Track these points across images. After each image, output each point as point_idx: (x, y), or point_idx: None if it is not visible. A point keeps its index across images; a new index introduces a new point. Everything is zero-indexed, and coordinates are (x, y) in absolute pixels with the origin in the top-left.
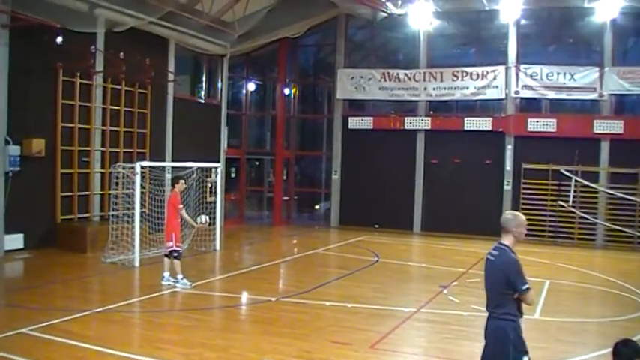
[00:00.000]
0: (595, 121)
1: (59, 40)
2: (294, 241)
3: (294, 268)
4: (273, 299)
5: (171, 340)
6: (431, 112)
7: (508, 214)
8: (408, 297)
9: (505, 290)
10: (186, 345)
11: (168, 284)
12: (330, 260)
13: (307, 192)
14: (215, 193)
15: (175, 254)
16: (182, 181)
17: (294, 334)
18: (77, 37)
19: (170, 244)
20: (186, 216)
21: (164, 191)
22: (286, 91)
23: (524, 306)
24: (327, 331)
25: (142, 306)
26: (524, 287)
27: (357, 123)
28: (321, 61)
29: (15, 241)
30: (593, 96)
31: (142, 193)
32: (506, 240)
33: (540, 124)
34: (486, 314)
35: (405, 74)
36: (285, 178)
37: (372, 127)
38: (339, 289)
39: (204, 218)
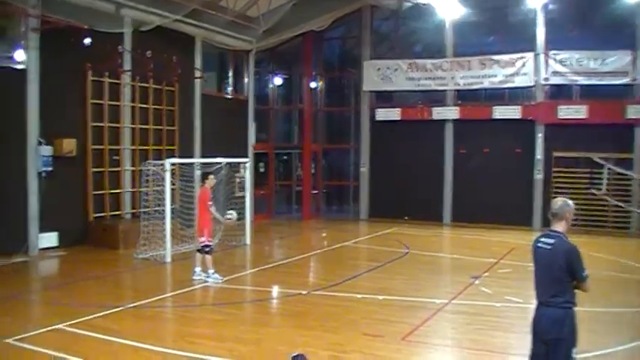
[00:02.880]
0: (628, 106)
1: (87, 41)
2: (324, 235)
3: (325, 261)
4: (305, 292)
5: (204, 335)
6: (459, 102)
7: (559, 201)
8: (440, 288)
9: (565, 278)
10: (219, 339)
11: (200, 279)
12: (360, 253)
13: (336, 185)
14: (244, 188)
15: (207, 249)
16: (212, 177)
17: (326, 327)
18: (105, 37)
19: (202, 239)
20: (215, 212)
21: (194, 187)
22: (312, 84)
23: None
24: (358, 324)
25: (174, 301)
26: (585, 274)
27: (384, 114)
28: (346, 53)
29: (49, 239)
30: (626, 80)
31: (172, 189)
32: (559, 227)
33: (571, 111)
34: (520, 304)
35: (432, 64)
36: (313, 171)
37: (399, 118)
38: (370, 281)
39: (233, 214)
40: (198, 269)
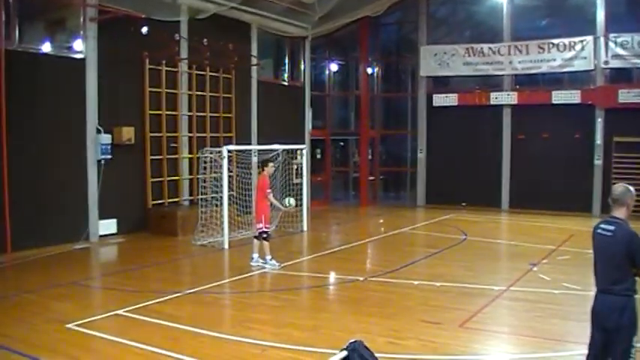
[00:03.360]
0: None
1: (144, 30)
2: (381, 221)
3: (382, 247)
4: (362, 279)
5: (261, 320)
6: (517, 87)
7: (621, 187)
8: (497, 275)
9: (626, 265)
10: (276, 325)
11: (257, 265)
12: (417, 239)
13: (393, 171)
14: (301, 174)
15: (264, 235)
16: (271, 164)
17: (383, 314)
18: (161, 26)
19: (259, 225)
20: (273, 199)
21: (251, 174)
22: (369, 70)
23: None
24: (415, 311)
25: (231, 287)
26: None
27: (441, 100)
28: (403, 38)
29: (109, 226)
30: None
31: (229, 176)
32: (620, 214)
33: (632, 95)
34: (579, 292)
35: (490, 48)
36: (370, 157)
37: (456, 104)
38: (427, 268)
39: (291, 201)
40: (255, 255)
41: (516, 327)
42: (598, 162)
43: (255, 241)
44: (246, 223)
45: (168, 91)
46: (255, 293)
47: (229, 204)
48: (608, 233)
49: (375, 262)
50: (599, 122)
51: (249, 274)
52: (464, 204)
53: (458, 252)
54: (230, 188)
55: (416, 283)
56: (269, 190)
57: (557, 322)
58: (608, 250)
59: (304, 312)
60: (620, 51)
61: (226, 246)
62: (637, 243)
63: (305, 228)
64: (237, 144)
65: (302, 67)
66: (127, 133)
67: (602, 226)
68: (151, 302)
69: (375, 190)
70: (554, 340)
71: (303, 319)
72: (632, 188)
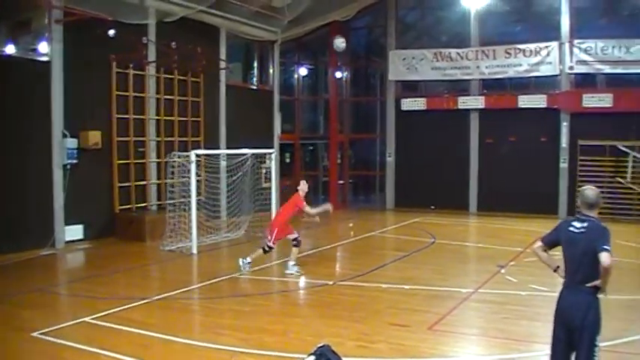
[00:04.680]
0: None
1: (112, 32)
2: (351, 225)
3: (351, 251)
4: (331, 283)
5: (231, 326)
6: (484, 91)
7: (593, 191)
8: (466, 278)
9: (595, 263)
10: (246, 330)
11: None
12: (386, 242)
13: (362, 175)
14: (270, 178)
15: (294, 243)
16: (303, 182)
17: (353, 318)
18: (129, 29)
19: (293, 235)
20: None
21: (219, 178)
22: (338, 74)
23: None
24: (385, 314)
25: (201, 293)
26: (607, 248)
27: (410, 104)
28: (372, 43)
29: (75, 231)
30: None
31: (197, 181)
32: (593, 214)
33: (596, 100)
34: (546, 293)
35: (457, 53)
36: (339, 161)
37: (425, 108)
38: (397, 271)
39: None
40: (291, 263)
41: (484, 329)
42: (564, 165)
43: (294, 249)
44: (215, 228)
45: (136, 94)
46: (225, 299)
47: (198, 209)
48: (583, 230)
49: (345, 266)
50: (565, 126)
51: (218, 279)
52: (433, 207)
53: (426, 255)
54: (198, 193)
55: (385, 286)
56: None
57: (525, 323)
58: (578, 248)
59: (274, 317)
60: (584, 56)
61: (195, 251)
62: (606, 234)
63: None
64: (205, 148)
65: (271, 71)
66: (94, 137)
67: (575, 223)
68: (119, 309)
69: (344, 193)
70: (522, 341)
71: (273, 324)
72: (599, 190)
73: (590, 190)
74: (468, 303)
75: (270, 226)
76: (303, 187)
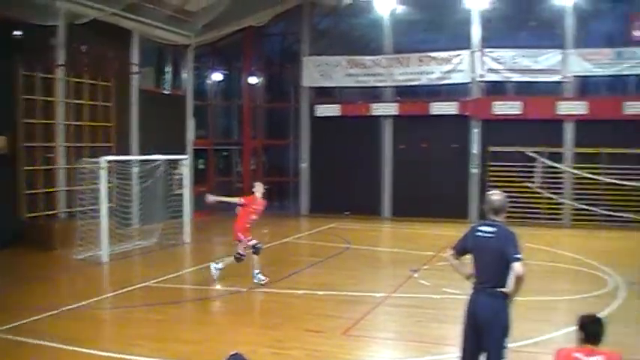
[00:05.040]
0: (559, 103)
1: (18, 33)
2: (265, 231)
3: (265, 257)
4: (245, 290)
5: (144, 336)
6: (397, 98)
7: (499, 196)
8: (380, 282)
9: (504, 266)
10: (159, 340)
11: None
12: (301, 249)
13: (277, 181)
14: (183, 185)
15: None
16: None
17: (267, 324)
18: (37, 30)
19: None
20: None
21: (131, 185)
22: (252, 80)
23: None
24: (299, 320)
25: (113, 302)
26: (519, 256)
27: (324, 110)
28: (286, 49)
29: None
30: (557, 78)
31: (108, 187)
32: (499, 218)
33: (506, 107)
34: (458, 296)
35: (371, 60)
36: (253, 167)
37: (339, 114)
38: (311, 277)
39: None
40: (256, 271)
41: (398, 332)
42: (474, 171)
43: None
44: (127, 236)
45: (44, 98)
46: (138, 308)
47: (109, 216)
48: (490, 235)
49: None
50: (475, 132)
51: (131, 288)
52: (347, 213)
53: (341, 260)
54: (109, 200)
55: (300, 292)
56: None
57: (437, 325)
58: (487, 251)
59: (188, 325)
60: (494, 65)
61: (106, 260)
62: (514, 238)
63: (187, 240)
64: (116, 154)
65: (185, 75)
66: None
67: (483, 228)
68: (26, 321)
69: None
70: (435, 344)
71: (187, 333)
72: (505, 195)
73: (495, 196)
74: (381, 307)
75: (234, 233)
76: (259, 188)
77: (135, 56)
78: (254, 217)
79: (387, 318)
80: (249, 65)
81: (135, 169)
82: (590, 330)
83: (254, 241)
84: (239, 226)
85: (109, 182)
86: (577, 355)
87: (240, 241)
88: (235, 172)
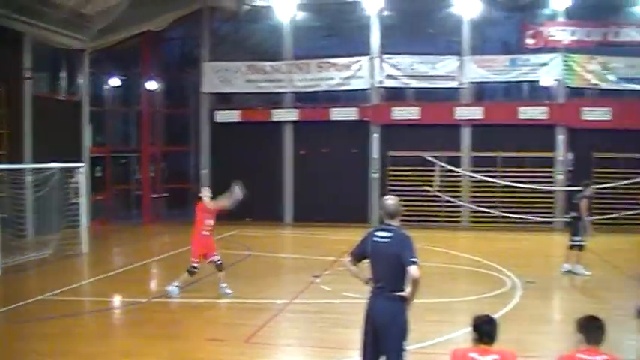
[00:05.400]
0: (456, 108)
1: None
2: (165, 240)
3: (166, 267)
4: (144, 300)
5: (39, 351)
6: (298, 104)
7: (392, 199)
8: (281, 289)
9: (401, 269)
10: (56, 354)
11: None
12: None
13: (177, 188)
14: (79, 194)
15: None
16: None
17: (168, 335)
18: None
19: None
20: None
21: (24, 194)
22: (151, 85)
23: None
24: (201, 329)
25: (6, 316)
26: (415, 260)
27: (224, 116)
28: (186, 54)
29: None
30: (454, 84)
31: (0, 197)
32: (394, 223)
33: (405, 113)
34: (359, 300)
35: (271, 66)
36: (152, 174)
37: (239, 120)
38: (212, 285)
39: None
40: (223, 284)
41: (300, 338)
42: (375, 175)
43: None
44: (22, 248)
45: None
46: (32, 322)
47: (1, 227)
48: (386, 239)
49: (159, 283)
50: (375, 138)
51: (25, 302)
52: (248, 219)
53: (242, 268)
54: (2, 211)
55: (201, 301)
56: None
57: (339, 330)
58: (385, 255)
59: (86, 338)
60: (393, 71)
61: None
62: (409, 242)
63: (85, 250)
64: (9, 163)
65: (81, 81)
66: None
67: (379, 233)
68: None
69: (158, 207)
70: (337, 348)
71: (84, 346)
72: (399, 199)
73: (390, 200)
74: (284, 314)
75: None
76: (206, 192)
77: (27, 61)
78: (210, 222)
79: (289, 324)
80: (147, 70)
81: (29, 178)
82: (484, 330)
83: (216, 257)
84: (195, 238)
85: (1, 192)
86: (472, 355)
87: (205, 258)
88: (134, 179)
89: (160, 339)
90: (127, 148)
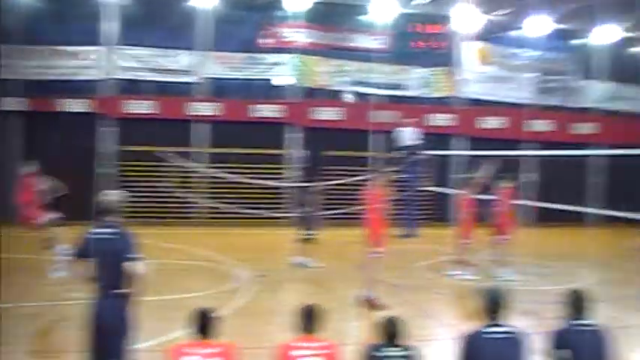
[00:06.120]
0: (192, 104)
1: None
2: None
3: None
4: None
5: None
6: (28, 93)
7: (113, 195)
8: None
9: (124, 267)
10: None
11: None
12: None
13: None
14: None
15: None
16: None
17: None
18: None
19: None
20: None
21: None
22: None
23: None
24: None
25: None
26: (137, 256)
27: None
28: None
29: None
30: (191, 79)
31: None
32: (116, 219)
33: (140, 106)
34: (82, 301)
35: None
36: None
37: None
38: None
39: None
40: None
41: (15, 344)
42: (105, 170)
43: None
44: None
45: None
46: None
47: None
48: (109, 237)
49: None
50: (108, 131)
51: None
52: None
53: None
54: None
55: None
56: None
57: (61, 334)
58: (109, 254)
59: None
60: (131, 63)
61: None
62: (132, 240)
63: None
64: None
65: None
66: None
67: (100, 230)
68: None
69: None
70: (59, 352)
71: None
72: (119, 194)
73: (109, 196)
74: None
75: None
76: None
77: None
78: None
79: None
80: None
81: None
82: (200, 324)
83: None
84: None
85: None
86: (188, 350)
87: None
88: None
89: None
90: None
